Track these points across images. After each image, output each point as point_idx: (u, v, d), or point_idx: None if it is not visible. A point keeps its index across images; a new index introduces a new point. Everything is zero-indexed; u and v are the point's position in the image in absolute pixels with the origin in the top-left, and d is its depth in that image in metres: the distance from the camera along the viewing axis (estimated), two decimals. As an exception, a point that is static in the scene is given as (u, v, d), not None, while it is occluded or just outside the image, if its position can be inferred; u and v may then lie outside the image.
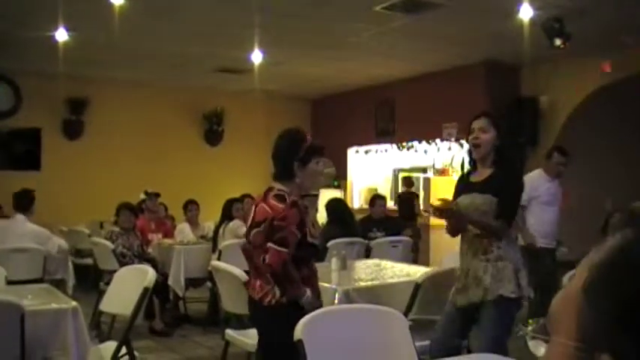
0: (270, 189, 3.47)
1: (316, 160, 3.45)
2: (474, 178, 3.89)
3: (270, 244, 3.30)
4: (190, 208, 8.59)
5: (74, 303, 3.80)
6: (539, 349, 0.79)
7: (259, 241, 3.38)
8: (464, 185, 3.92)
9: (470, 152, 3.97)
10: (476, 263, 3.74)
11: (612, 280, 0.65)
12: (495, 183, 3.77)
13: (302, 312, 3.05)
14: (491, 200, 3.72)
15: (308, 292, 3.36)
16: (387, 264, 5.71)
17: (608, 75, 8.93)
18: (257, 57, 8.81)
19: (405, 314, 3.90)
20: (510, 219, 3.82)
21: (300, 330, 2.68)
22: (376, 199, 8.30)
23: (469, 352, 3.91)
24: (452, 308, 3.88)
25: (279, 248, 3.29)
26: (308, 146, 3.44)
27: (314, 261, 3.61)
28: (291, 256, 3.32)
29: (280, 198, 3.38)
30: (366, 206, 9.28)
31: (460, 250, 3.88)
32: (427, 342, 3.91)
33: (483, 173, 3.86)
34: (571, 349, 0.68)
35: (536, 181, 6.35)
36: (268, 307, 3.37)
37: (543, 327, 0.78)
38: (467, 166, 4.12)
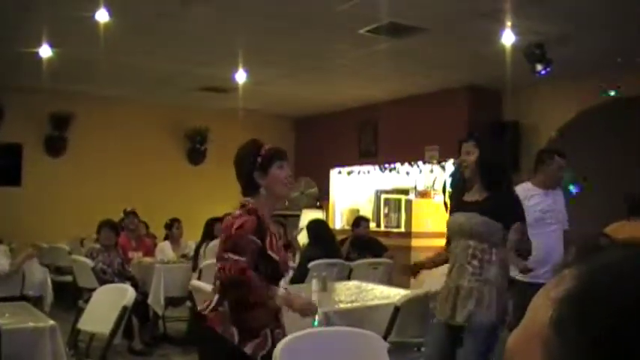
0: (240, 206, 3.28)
1: (278, 165, 3.24)
2: (467, 197, 3.93)
3: (228, 254, 3.05)
4: (175, 226, 8.57)
5: (52, 322, 3.77)
6: None
7: (217, 252, 3.21)
8: (458, 203, 3.96)
9: (458, 172, 4.02)
10: (463, 284, 3.77)
11: (581, 315, 0.64)
12: (493, 206, 3.83)
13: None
14: (491, 223, 3.77)
15: (280, 289, 3.12)
16: (367, 286, 5.72)
17: (589, 100, 9.04)
18: (241, 76, 8.85)
19: (385, 337, 3.91)
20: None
21: (278, 353, 2.68)
22: (360, 220, 8.31)
23: None
24: (440, 323, 3.90)
25: (236, 257, 3.03)
26: (265, 153, 3.25)
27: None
28: (252, 265, 3.05)
29: (242, 206, 3.21)
30: (348, 227, 9.29)
31: (450, 266, 3.91)
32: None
33: (476, 194, 3.91)
34: None
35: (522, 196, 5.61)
36: (204, 316, 3.12)
37: None
38: (448, 187, 4.18)
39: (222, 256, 3.07)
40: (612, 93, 8.31)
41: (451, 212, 3.98)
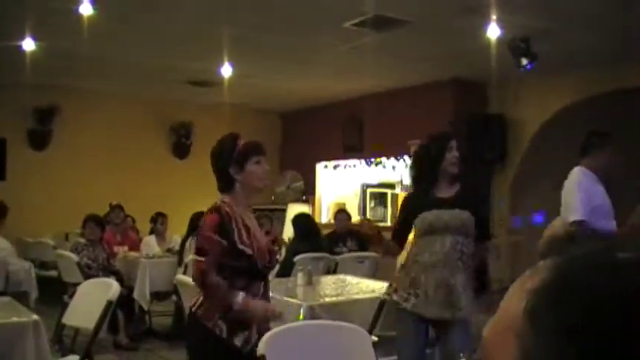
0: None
1: (255, 160, 3.22)
2: (441, 194, 3.93)
3: (194, 256, 3.16)
4: (160, 220, 8.54)
5: (35, 317, 3.75)
6: None
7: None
8: (434, 200, 3.93)
9: (432, 169, 3.97)
10: (452, 280, 3.78)
11: (556, 305, 0.64)
12: (468, 200, 3.90)
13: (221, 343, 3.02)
14: (472, 218, 3.84)
15: (240, 295, 3.05)
16: (352, 280, 5.73)
17: (574, 93, 9.09)
18: (227, 70, 8.82)
19: (370, 331, 3.92)
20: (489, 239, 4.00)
21: (263, 345, 2.68)
22: (337, 213, 8.34)
23: None
24: (416, 320, 3.89)
25: (198, 258, 3.09)
26: (242, 148, 3.22)
27: (260, 283, 3.23)
28: (216, 264, 3.06)
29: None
30: (334, 221, 9.31)
31: (431, 262, 3.85)
32: (389, 358, 3.93)
33: (448, 189, 3.92)
34: None
35: (589, 183, 4.67)
36: (194, 313, 3.15)
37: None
38: (408, 181, 4.22)
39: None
40: None
41: (420, 209, 3.94)
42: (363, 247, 7.75)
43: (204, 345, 3.13)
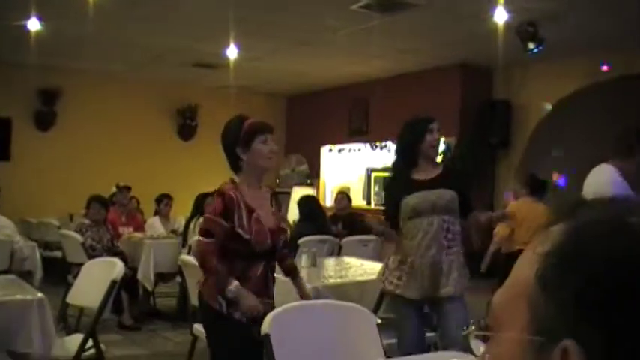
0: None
1: (261, 139, 3.25)
2: (420, 177, 3.94)
3: (197, 237, 3.29)
4: (164, 202, 8.54)
5: (40, 294, 3.75)
6: (480, 348, 0.75)
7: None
8: (412, 183, 3.94)
9: (411, 151, 3.98)
10: (442, 258, 3.80)
11: (567, 267, 0.64)
12: (452, 180, 3.96)
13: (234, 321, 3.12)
14: (456, 197, 3.85)
15: (234, 283, 3.13)
16: (356, 262, 5.72)
17: (581, 79, 9.04)
18: (232, 52, 8.78)
19: (374, 312, 3.92)
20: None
21: (267, 324, 2.68)
22: (338, 195, 8.36)
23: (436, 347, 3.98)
24: (407, 303, 3.91)
25: (201, 238, 3.21)
26: (247, 128, 3.26)
27: (261, 264, 3.29)
28: (219, 246, 3.16)
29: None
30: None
31: (418, 243, 3.86)
32: (394, 340, 3.94)
33: (429, 171, 3.94)
34: (524, 343, 0.65)
35: (623, 187, 3.98)
36: (200, 292, 3.29)
37: (485, 326, 0.74)
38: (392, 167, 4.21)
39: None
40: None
41: (401, 193, 3.94)
42: (354, 232, 7.69)
43: (209, 321, 3.26)
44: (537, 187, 6.69)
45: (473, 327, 0.76)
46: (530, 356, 0.65)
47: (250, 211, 3.22)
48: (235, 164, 3.30)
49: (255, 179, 3.32)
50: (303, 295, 3.62)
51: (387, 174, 11.62)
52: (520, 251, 0.75)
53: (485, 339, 0.74)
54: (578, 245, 0.65)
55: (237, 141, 3.25)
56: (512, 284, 0.70)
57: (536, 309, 0.65)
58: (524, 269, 0.68)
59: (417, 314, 3.96)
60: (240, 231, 3.18)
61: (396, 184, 4.06)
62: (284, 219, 3.61)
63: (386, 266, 4.04)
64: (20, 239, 6.66)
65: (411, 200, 3.86)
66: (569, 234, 0.67)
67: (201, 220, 7.34)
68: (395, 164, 4.16)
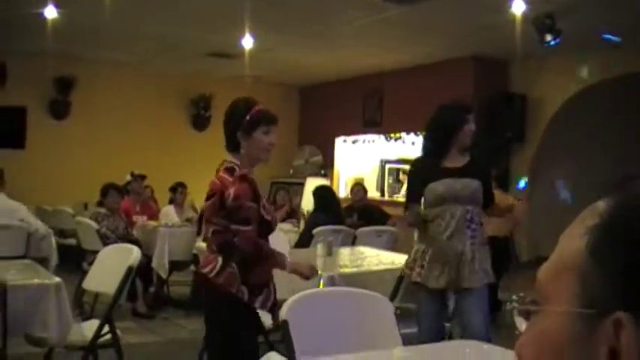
0: (223, 162, 3.34)
1: (264, 130, 3.24)
2: (449, 164, 3.92)
3: (235, 226, 3.14)
4: (179, 190, 8.57)
5: (57, 279, 3.78)
6: (522, 325, 0.74)
7: (207, 215, 3.28)
8: (441, 169, 3.92)
9: (446, 138, 3.95)
10: (465, 248, 3.79)
11: (617, 237, 0.63)
12: (479, 169, 3.98)
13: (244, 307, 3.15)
14: (480, 187, 3.83)
15: (286, 257, 3.32)
16: (372, 252, 5.72)
17: (598, 72, 8.98)
18: (248, 42, 8.77)
19: (390, 301, 3.91)
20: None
21: (285, 311, 2.68)
22: (354, 186, 8.34)
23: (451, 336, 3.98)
24: (430, 291, 3.89)
25: (244, 228, 3.13)
26: (253, 114, 3.24)
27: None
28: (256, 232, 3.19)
29: (229, 170, 3.24)
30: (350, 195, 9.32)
31: (442, 232, 3.86)
32: (410, 330, 3.93)
33: (458, 160, 3.92)
34: (573, 316, 0.65)
35: None
36: (211, 279, 3.19)
37: (530, 302, 0.73)
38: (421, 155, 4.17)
39: (228, 225, 3.16)
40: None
41: (429, 179, 3.92)
42: (376, 222, 7.71)
43: (225, 308, 3.21)
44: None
45: (515, 303, 0.75)
46: (579, 329, 0.64)
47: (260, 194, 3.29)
48: (232, 146, 3.30)
49: (249, 165, 3.31)
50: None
51: (400, 165, 11.67)
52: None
53: (527, 315, 0.73)
54: (628, 215, 0.65)
55: (239, 125, 3.25)
56: (559, 258, 0.69)
57: (587, 281, 0.64)
58: (572, 242, 0.68)
59: (438, 304, 3.95)
60: (263, 212, 3.22)
61: (423, 169, 4.01)
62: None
63: (410, 256, 4.03)
64: (34, 221, 6.63)
65: (438, 187, 3.84)
66: (617, 206, 0.66)
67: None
68: (425, 148, 4.11)
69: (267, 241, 3.33)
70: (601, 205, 0.68)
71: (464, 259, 3.80)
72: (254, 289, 3.19)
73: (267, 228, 3.29)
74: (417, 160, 4.25)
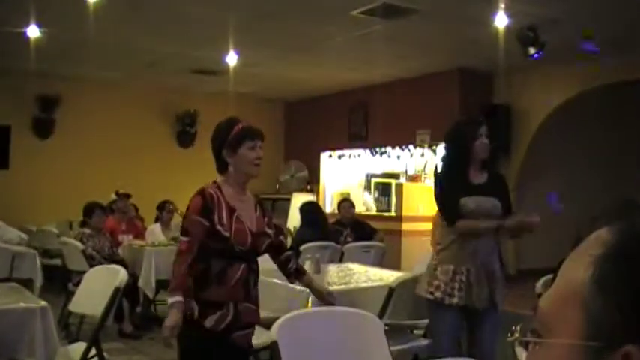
0: (212, 182, 3.31)
1: (249, 145, 3.22)
2: (475, 181, 3.87)
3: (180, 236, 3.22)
4: (166, 208, 8.50)
5: (43, 302, 3.72)
6: (523, 355, 0.72)
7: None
8: (469, 187, 3.84)
9: (463, 153, 3.88)
10: (495, 267, 3.78)
11: (626, 269, 0.62)
12: (500, 186, 3.93)
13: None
14: (499, 204, 3.84)
15: (177, 298, 3.06)
16: (360, 268, 5.69)
17: (581, 84, 9.04)
18: (232, 58, 8.78)
19: (379, 318, 3.88)
20: None
21: (274, 331, 2.65)
22: (342, 202, 8.27)
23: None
24: (458, 311, 3.79)
25: (182, 238, 3.15)
26: (237, 132, 3.23)
27: (241, 265, 3.19)
28: (198, 245, 3.10)
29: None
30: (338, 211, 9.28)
31: (474, 251, 3.76)
32: (401, 346, 3.91)
33: (479, 176, 3.87)
34: (578, 349, 0.63)
35: None
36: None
37: (532, 332, 0.72)
38: (441, 170, 4.06)
39: None
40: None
41: (458, 193, 3.82)
42: (362, 239, 7.63)
43: (182, 328, 3.08)
44: None
45: (517, 333, 0.74)
46: None
47: (231, 210, 3.19)
48: (221, 166, 3.29)
49: (239, 183, 3.29)
50: (321, 295, 3.53)
51: (386, 180, 11.65)
52: None
53: (528, 345, 0.71)
54: (634, 245, 0.63)
55: (223, 143, 3.24)
56: (562, 288, 0.68)
57: (593, 313, 0.63)
58: (576, 272, 0.66)
59: (459, 323, 3.87)
60: (219, 228, 3.13)
61: (453, 183, 3.89)
62: (271, 225, 3.50)
63: (432, 276, 3.85)
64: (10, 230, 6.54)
65: (469, 203, 3.76)
66: (623, 235, 0.65)
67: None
68: (450, 163, 4.01)
69: (240, 264, 3.17)
70: (605, 234, 0.66)
71: (496, 277, 3.78)
72: (207, 307, 3.10)
73: (225, 244, 3.14)
74: (443, 174, 4.07)
